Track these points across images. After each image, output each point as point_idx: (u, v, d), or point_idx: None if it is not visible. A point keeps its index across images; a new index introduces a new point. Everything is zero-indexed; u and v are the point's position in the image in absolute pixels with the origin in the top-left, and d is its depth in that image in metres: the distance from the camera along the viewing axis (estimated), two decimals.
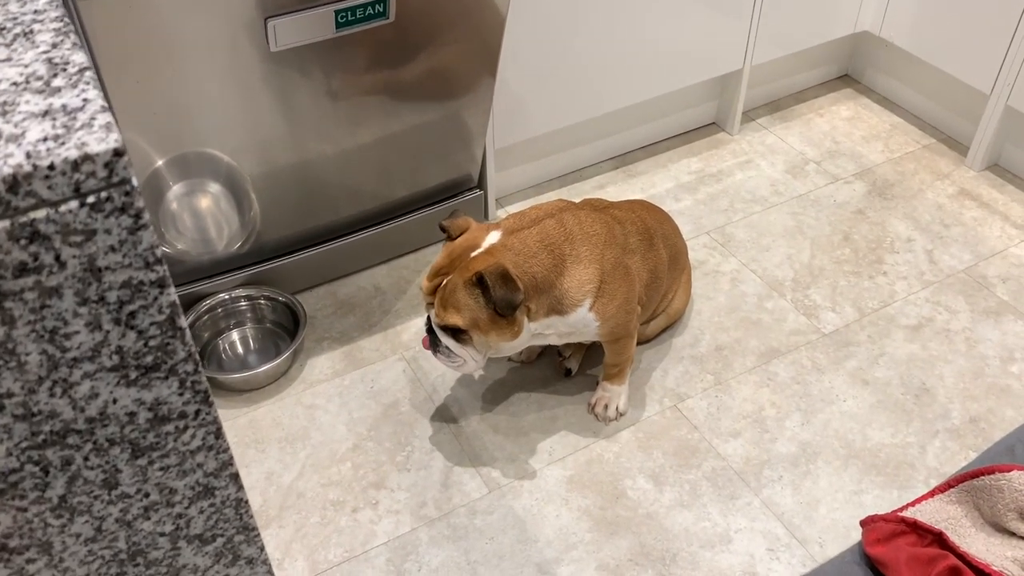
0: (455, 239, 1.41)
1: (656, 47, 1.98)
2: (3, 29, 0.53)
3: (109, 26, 1.26)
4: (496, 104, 1.84)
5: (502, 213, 2.05)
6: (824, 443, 1.56)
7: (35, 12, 0.54)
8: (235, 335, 1.75)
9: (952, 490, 1.24)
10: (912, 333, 1.75)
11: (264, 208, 1.70)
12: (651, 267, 1.54)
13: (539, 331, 1.43)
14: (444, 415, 1.62)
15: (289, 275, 1.81)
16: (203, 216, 1.64)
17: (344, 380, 1.68)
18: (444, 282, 1.36)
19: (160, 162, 1.49)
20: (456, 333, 1.37)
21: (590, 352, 1.71)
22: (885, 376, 1.67)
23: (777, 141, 2.26)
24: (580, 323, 1.44)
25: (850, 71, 2.48)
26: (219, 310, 1.73)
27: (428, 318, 1.41)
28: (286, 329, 1.74)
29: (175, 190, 1.56)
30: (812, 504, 1.47)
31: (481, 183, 1.97)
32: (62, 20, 0.54)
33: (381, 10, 1.44)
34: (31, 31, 0.53)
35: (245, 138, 1.55)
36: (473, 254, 1.36)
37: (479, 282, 1.32)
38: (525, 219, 1.43)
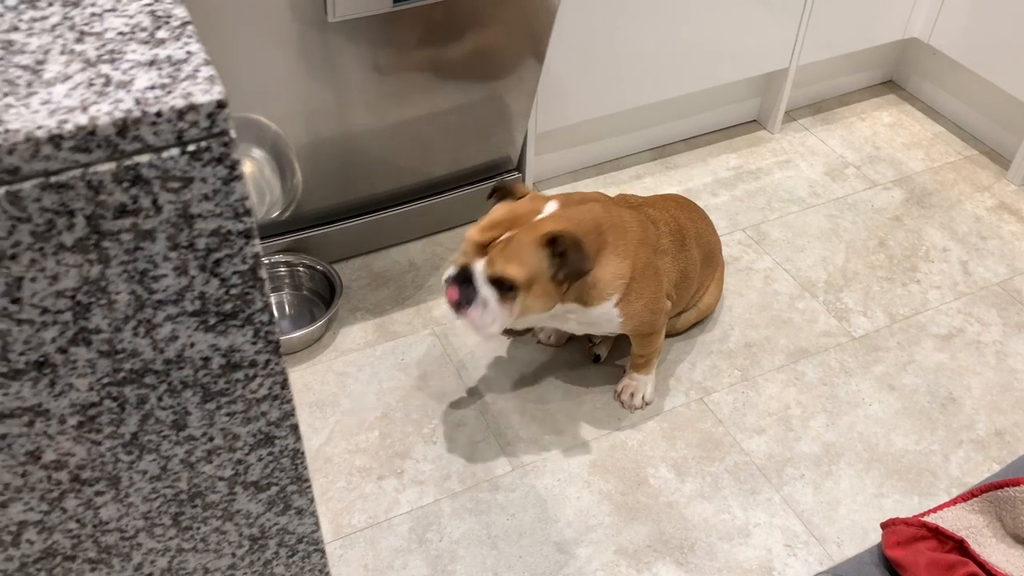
0: (515, 200, 1.40)
1: (704, 41, 1.98)
2: None
3: None
4: (540, 88, 1.85)
5: None
6: (847, 445, 1.56)
7: None
8: (272, 300, 1.77)
9: (975, 499, 1.25)
10: (942, 342, 1.75)
11: (306, 177, 1.72)
12: (682, 267, 1.55)
13: (560, 313, 1.44)
14: (471, 392, 1.64)
15: (326, 244, 1.84)
16: (246, 181, 1.66)
17: (375, 351, 1.71)
18: (506, 236, 1.33)
19: None
20: (503, 289, 1.34)
21: (619, 341, 1.73)
22: (912, 383, 1.67)
23: (818, 143, 2.25)
24: (602, 318, 1.45)
25: (895, 77, 2.47)
26: None
27: (462, 269, 1.35)
28: (322, 297, 1.77)
29: None
30: (832, 504, 1.48)
31: (520, 166, 1.99)
32: None
33: None
34: None
35: (293, 106, 1.57)
36: (538, 217, 1.36)
37: (551, 242, 1.32)
38: (573, 199, 1.44)
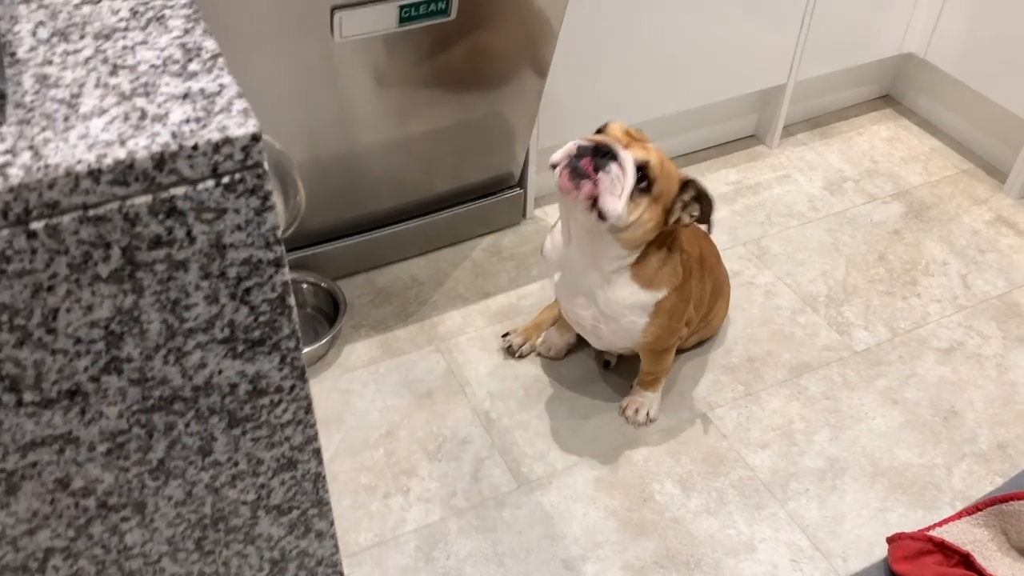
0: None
1: (703, 58, 2.00)
2: (136, 13, 0.55)
3: None
4: (542, 105, 1.86)
5: (540, 213, 2.08)
6: (851, 459, 1.57)
7: None
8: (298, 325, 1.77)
9: (980, 513, 1.25)
10: (943, 356, 1.76)
11: (309, 194, 1.73)
12: (699, 296, 1.56)
13: (601, 290, 1.42)
14: (476, 408, 1.64)
15: (329, 261, 1.84)
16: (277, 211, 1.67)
17: (379, 368, 1.71)
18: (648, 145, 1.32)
19: None
20: (639, 182, 1.28)
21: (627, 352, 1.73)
22: (915, 397, 1.68)
23: (816, 157, 2.27)
24: (634, 311, 1.42)
25: (892, 92, 2.49)
26: None
27: (605, 145, 1.27)
28: (325, 314, 1.77)
29: None
30: (837, 519, 1.48)
31: (522, 182, 2.00)
32: (191, 6, 0.56)
33: (443, 7, 1.46)
34: (163, 16, 0.55)
35: (297, 124, 1.58)
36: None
37: (689, 185, 1.34)
38: None
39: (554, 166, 1.29)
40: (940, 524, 1.26)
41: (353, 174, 1.74)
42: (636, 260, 1.39)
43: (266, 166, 0.49)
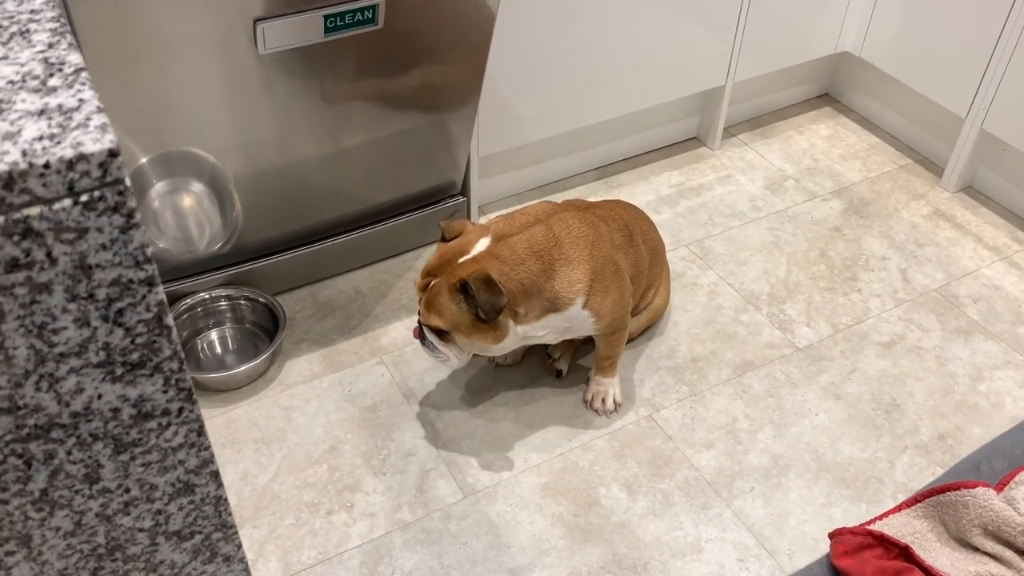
0: (448, 241, 1.43)
1: (641, 61, 2.01)
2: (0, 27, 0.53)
3: (99, 23, 1.26)
4: (481, 112, 1.86)
5: (484, 221, 2.06)
6: (795, 456, 1.58)
7: (32, 12, 0.55)
8: (214, 335, 1.75)
9: (919, 505, 1.26)
10: (884, 350, 1.78)
11: (246, 208, 1.70)
12: (633, 261, 1.59)
13: (531, 333, 1.46)
14: (421, 420, 1.63)
15: (270, 276, 1.82)
16: (185, 215, 1.64)
17: (322, 382, 1.69)
18: (432, 283, 1.39)
19: (144, 160, 1.50)
20: (440, 332, 1.42)
21: (575, 356, 1.73)
22: (857, 391, 1.70)
23: (757, 157, 2.29)
24: (576, 319, 1.47)
25: (830, 90, 2.52)
26: (199, 309, 1.73)
27: (419, 313, 1.46)
28: (265, 330, 1.75)
29: (158, 188, 1.56)
30: (782, 516, 1.49)
31: (464, 190, 1.99)
32: (58, 20, 0.54)
33: (370, 16, 1.45)
34: (27, 30, 0.53)
35: (230, 138, 1.56)
36: (461, 260, 1.39)
37: (463, 288, 1.35)
38: (515, 224, 1.45)
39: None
40: (880, 517, 1.27)
41: (291, 187, 1.72)
42: (524, 315, 1.43)
43: (128, 183, 0.47)
